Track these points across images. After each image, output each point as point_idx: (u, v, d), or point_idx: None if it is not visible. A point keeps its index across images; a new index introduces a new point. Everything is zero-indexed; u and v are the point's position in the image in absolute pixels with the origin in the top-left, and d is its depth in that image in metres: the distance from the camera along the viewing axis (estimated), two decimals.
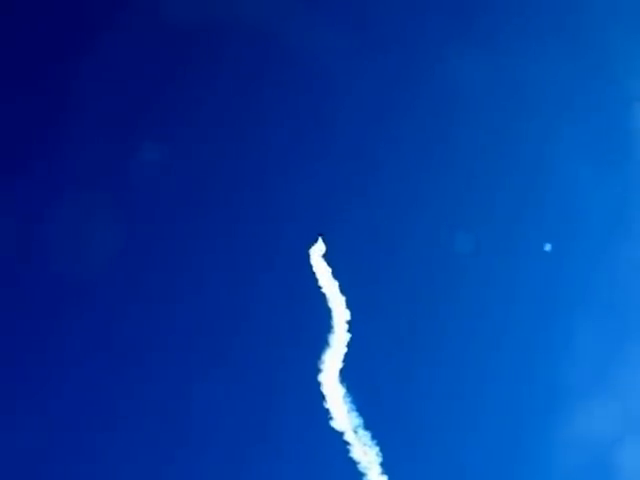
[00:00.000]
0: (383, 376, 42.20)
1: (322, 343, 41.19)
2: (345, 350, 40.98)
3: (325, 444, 41.33)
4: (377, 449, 41.03)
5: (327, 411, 41.02)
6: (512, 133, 44.65)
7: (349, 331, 40.89)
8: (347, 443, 40.95)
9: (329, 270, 41.32)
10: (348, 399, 41.05)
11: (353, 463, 41.05)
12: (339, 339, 41.15)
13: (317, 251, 41.25)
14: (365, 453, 41.00)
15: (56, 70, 44.31)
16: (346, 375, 41.03)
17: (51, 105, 44.33)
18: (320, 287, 41.34)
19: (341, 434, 40.99)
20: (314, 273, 41.41)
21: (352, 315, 41.02)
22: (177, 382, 41.20)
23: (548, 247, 43.75)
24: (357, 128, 44.93)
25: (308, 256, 41.25)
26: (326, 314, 41.32)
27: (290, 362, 41.87)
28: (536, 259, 44.52)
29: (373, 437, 40.99)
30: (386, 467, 40.94)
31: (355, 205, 43.11)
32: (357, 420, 40.84)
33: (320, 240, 41.05)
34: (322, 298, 41.43)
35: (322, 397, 41.11)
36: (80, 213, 42.99)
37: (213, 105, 45.06)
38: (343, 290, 41.12)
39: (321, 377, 41.06)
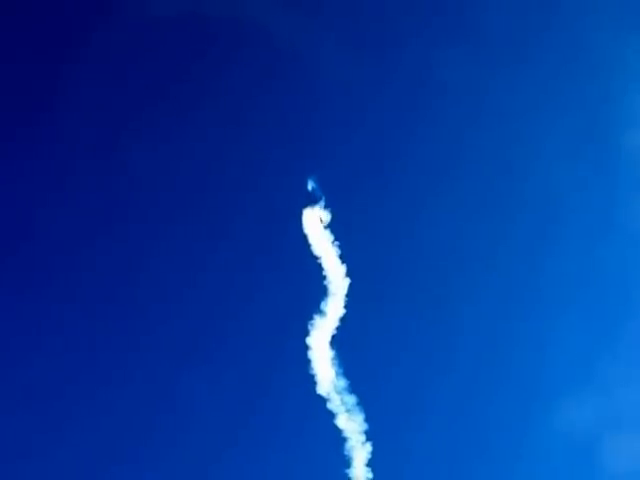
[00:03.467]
0: (374, 345, 41.87)
1: (316, 309, 41.00)
2: (339, 316, 40.73)
3: (310, 410, 40.72)
4: (362, 416, 40.39)
5: (313, 376, 40.49)
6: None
7: (347, 297, 40.74)
8: (332, 410, 40.33)
9: (330, 237, 41.42)
10: (336, 364, 40.58)
11: (337, 430, 40.36)
12: (334, 306, 40.87)
13: (316, 217, 41.50)
14: (350, 420, 40.27)
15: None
16: (337, 342, 40.74)
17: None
18: (317, 255, 41.36)
19: (326, 400, 40.35)
20: (310, 239, 41.54)
21: (351, 282, 41.05)
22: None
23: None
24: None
25: (307, 222, 41.47)
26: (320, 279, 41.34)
27: (280, 325, 41.64)
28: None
29: (359, 403, 40.39)
30: (371, 435, 40.26)
31: (355, 169, 43.96)
32: (343, 385, 40.28)
33: (319, 206, 41.41)
34: (319, 265, 41.44)
35: (309, 361, 40.65)
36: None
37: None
38: (343, 258, 41.17)
39: (310, 340, 40.65)
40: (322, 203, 41.09)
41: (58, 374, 41.54)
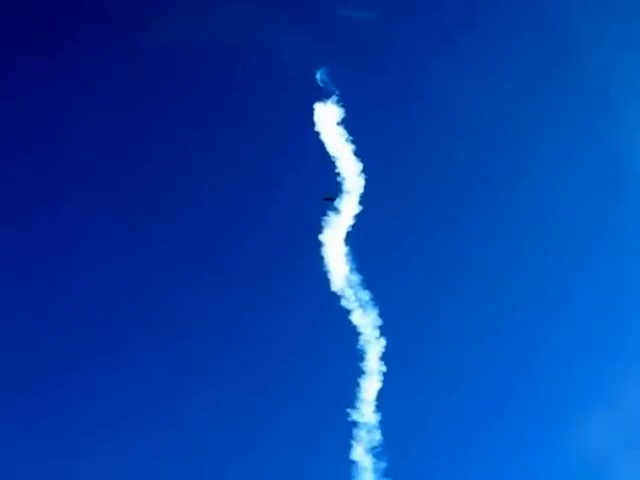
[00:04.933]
0: (389, 242, 41.68)
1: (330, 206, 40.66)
2: (354, 214, 40.37)
3: (324, 306, 41.08)
4: (377, 312, 40.65)
5: (327, 272, 40.56)
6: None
7: (362, 195, 40.28)
8: (346, 306, 40.54)
9: (344, 134, 40.63)
10: (350, 261, 40.57)
11: (352, 327, 40.70)
12: (348, 204, 40.46)
13: (330, 114, 40.61)
14: (364, 315, 40.57)
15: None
16: (352, 239, 40.61)
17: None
18: (331, 152, 40.70)
19: (340, 297, 40.53)
20: (323, 135, 40.85)
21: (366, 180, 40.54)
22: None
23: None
24: None
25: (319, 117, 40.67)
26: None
27: (294, 223, 41.45)
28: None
29: (373, 299, 40.62)
30: (385, 330, 40.59)
31: (370, 60, 42.51)
32: (357, 281, 40.37)
33: (331, 100, 40.48)
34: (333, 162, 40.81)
35: (323, 258, 40.63)
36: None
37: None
38: (359, 155, 40.51)
39: (324, 237, 40.52)
40: (335, 98, 40.32)
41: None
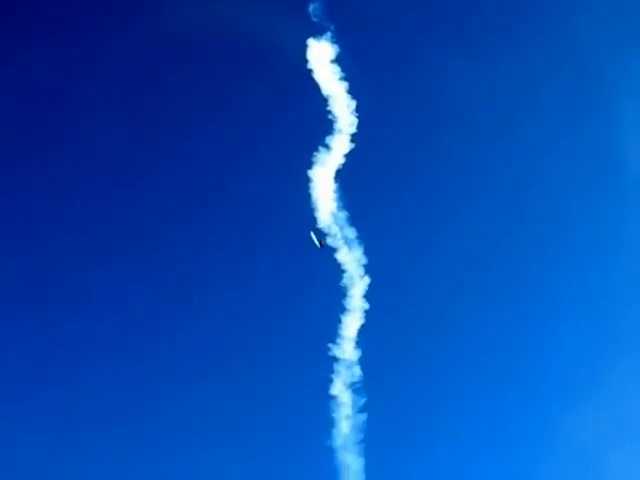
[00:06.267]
0: (379, 183, 41.89)
1: (321, 144, 40.49)
2: (345, 152, 40.29)
3: (309, 243, 41.20)
4: (362, 250, 40.84)
5: (314, 209, 40.58)
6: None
7: (352, 141, 40.15)
8: (331, 244, 40.70)
9: (338, 72, 40.29)
10: (338, 198, 40.57)
11: (337, 264, 40.94)
12: (340, 141, 40.34)
13: (323, 51, 40.16)
14: (349, 253, 40.77)
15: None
16: (341, 176, 40.56)
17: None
18: (324, 90, 40.39)
19: (326, 234, 40.65)
20: (316, 73, 40.48)
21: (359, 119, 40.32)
22: None
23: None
24: None
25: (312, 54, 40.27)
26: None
27: (283, 158, 41.49)
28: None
29: (359, 237, 40.79)
30: (370, 269, 40.89)
31: None
32: (344, 217, 40.41)
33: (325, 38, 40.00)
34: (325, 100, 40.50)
35: (310, 195, 40.64)
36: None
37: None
38: (353, 94, 40.17)
39: (313, 173, 40.45)
40: (329, 35, 39.95)
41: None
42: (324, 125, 40.07)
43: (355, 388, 40.86)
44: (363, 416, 40.80)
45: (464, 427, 42.39)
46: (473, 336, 42.57)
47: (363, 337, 40.55)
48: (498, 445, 42.24)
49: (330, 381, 40.68)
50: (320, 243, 39.88)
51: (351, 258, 40.75)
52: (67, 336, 42.45)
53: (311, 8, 39.56)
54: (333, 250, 40.75)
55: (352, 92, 39.76)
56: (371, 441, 40.59)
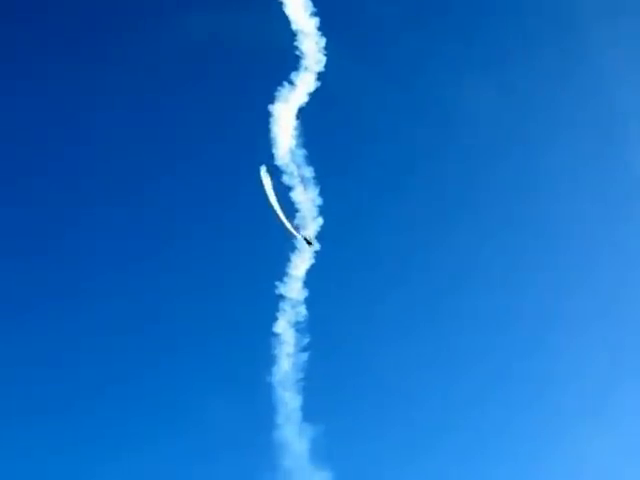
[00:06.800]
0: (341, 123, 41.22)
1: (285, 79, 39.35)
2: (310, 91, 39.20)
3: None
4: (317, 190, 40.28)
5: (272, 145, 39.71)
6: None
7: (318, 79, 38.98)
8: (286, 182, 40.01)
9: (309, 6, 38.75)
10: (299, 135, 39.73)
11: (291, 202, 40.32)
12: (306, 79, 39.22)
13: None
14: (304, 193, 40.19)
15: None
16: (304, 114, 39.55)
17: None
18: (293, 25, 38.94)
19: (282, 171, 39.88)
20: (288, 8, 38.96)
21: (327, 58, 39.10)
22: None
23: None
24: None
25: None
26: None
27: (245, 89, 40.36)
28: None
29: (316, 177, 40.14)
30: (323, 210, 40.45)
31: None
32: (302, 155, 39.62)
33: None
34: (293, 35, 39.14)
35: (270, 130, 39.68)
36: None
37: None
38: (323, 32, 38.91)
39: (275, 108, 39.43)
40: None
41: None
42: (290, 61, 38.94)
43: (299, 327, 40.95)
44: (305, 355, 41.08)
45: (401, 372, 43.07)
46: (419, 280, 42.80)
47: (311, 277, 40.46)
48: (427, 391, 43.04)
49: (275, 319, 40.69)
50: (308, 242, 39.35)
51: (306, 198, 40.20)
52: None
53: None
54: (288, 189, 40.13)
55: (323, 29, 38.59)
56: (310, 380, 40.96)
